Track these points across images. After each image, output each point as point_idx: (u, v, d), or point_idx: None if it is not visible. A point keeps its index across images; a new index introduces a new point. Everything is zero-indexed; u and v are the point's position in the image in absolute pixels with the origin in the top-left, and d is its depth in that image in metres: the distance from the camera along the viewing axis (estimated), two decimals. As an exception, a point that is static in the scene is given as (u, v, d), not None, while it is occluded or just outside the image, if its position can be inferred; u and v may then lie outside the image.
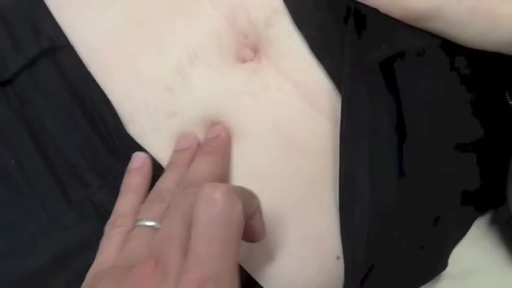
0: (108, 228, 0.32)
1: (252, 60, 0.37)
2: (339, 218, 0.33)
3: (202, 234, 0.26)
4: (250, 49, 0.37)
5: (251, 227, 0.29)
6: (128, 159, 0.35)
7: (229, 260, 0.26)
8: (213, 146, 0.34)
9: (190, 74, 0.36)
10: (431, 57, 0.33)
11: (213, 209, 0.26)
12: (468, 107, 0.35)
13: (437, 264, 0.38)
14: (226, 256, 0.26)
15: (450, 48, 0.32)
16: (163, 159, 0.35)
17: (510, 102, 0.33)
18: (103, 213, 0.34)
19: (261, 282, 0.34)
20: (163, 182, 0.33)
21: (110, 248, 0.30)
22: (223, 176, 0.33)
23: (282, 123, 0.35)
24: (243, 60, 0.37)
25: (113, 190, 0.35)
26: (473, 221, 0.40)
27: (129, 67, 0.37)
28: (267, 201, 0.33)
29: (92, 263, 0.31)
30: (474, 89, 0.34)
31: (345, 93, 0.34)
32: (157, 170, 0.35)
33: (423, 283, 0.38)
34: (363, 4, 0.33)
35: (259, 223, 0.30)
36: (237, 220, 0.27)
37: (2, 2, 0.40)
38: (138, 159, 0.35)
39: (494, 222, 0.41)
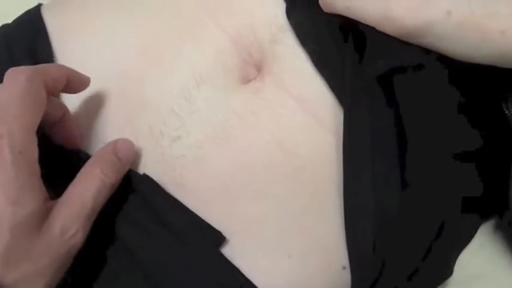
0: None
1: (255, 78, 0.37)
2: (343, 228, 0.34)
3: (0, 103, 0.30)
4: (254, 67, 0.38)
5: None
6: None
7: (24, 123, 0.30)
8: None
9: (196, 96, 0.36)
10: (428, 71, 0.33)
11: (14, 85, 0.31)
12: (467, 118, 0.35)
13: (443, 272, 0.38)
14: (22, 119, 0.30)
15: (446, 62, 0.33)
16: (165, 182, 0.35)
17: (506, 112, 0.34)
18: None
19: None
20: None
21: None
22: None
23: (284, 138, 0.35)
24: (247, 79, 0.37)
25: None
26: (478, 227, 0.40)
27: (134, 92, 0.37)
28: (269, 213, 0.35)
29: None
30: (472, 100, 0.35)
31: (347, 106, 0.35)
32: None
33: (429, 290, 0.38)
34: (361, 22, 0.34)
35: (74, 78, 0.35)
36: (37, 94, 0.31)
37: (7, 30, 0.42)
38: None
39: (498, 228, 0.41)
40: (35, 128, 0.31)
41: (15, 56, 0.40)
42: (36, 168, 0.30)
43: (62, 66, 0.35)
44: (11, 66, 0.38)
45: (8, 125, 0.29)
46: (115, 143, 0.35)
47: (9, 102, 0.30)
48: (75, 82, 0.35)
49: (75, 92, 0.36)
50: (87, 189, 0.32)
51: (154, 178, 0.35)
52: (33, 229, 0.29)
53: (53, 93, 0.33)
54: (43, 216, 0.30)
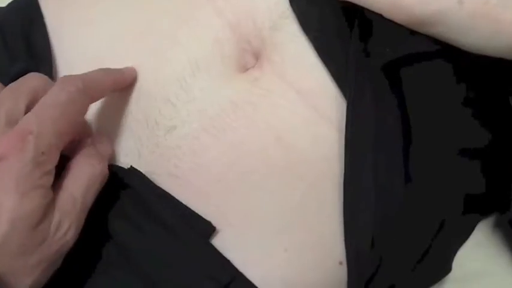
0: None
1: (253, 67, 0.36)
2: (341, 223, 0.33)
3: (43, 102, 0.31)
4: (252, 55, 0.37)
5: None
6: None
7: (57, 128, 0.30)
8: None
9: (192, 85, 0.36)
10: (436, 63, 0.33)
11: (61, 93, 0.31)
12: (473, 112, 0.34)
13: (442, 268, 0.38)
14: (57, 125, 0.30)
15: (455, 54, 0.32)
16: (160, 173, 0.35)
17: (514, 107, 0.33)
18: None
19: (261, 288, 0.34)
20: None
21: None
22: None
23: (283, 130, 0.34)
24: (244, 68, 0.36)
25: None
26: (476, 224, 0.40)
27: None
28: (265, 206, 0.34)
29: None
30: (479, 94, 0.34)
31: (350, 97, 0.34)
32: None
33: (427, 287, 0.38)
34: (368, 9, 0.33)
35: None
36: (79, 109, 0.32)
37: (0, 13, 0.41)
38: None
39: (498, 225, 0.41)
40: (66, 139, 0.31)
41: (7, 40, 0.39)
42: (52, 171, 0.31)
43: (109, 73, 0.35)
44: (2, 50, 0.38)
45: (41, 125, 0.30)
46: (91, 138, 0.35)
47: (52, 105, 0.31)
48: (120, 83, 0.36)
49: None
50: (76, 183, 0.32)
51: (149, 168, 0.35)
52: (32, 225, 0.29)
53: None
54: (43, 215, 0.30)
